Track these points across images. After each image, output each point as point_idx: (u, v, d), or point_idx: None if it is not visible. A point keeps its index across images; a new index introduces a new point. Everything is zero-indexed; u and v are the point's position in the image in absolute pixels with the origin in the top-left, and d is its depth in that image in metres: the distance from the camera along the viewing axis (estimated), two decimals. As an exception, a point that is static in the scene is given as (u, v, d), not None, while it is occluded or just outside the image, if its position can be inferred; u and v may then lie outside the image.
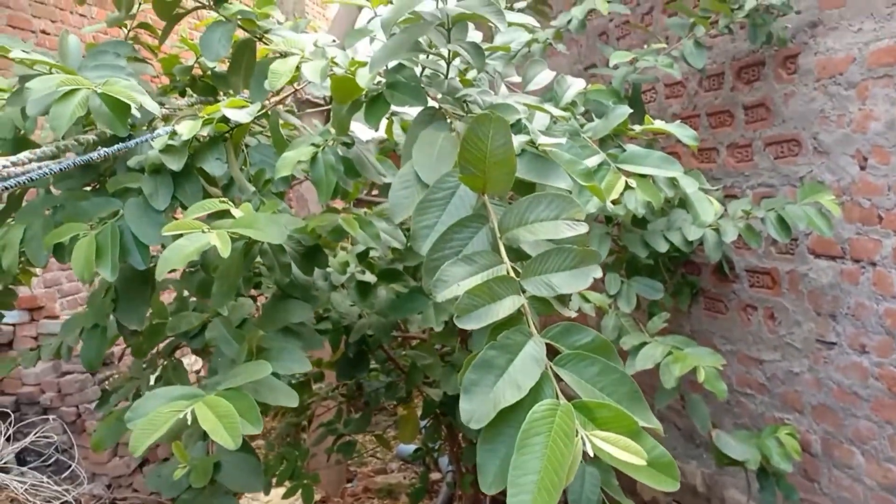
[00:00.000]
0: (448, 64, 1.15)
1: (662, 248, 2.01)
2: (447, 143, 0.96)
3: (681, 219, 2.07)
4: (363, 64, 1.28)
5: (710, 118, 2.70)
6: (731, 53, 2.53)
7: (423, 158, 0.94)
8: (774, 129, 2.40)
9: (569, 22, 2.32)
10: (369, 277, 1.97)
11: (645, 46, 2.34)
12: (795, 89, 2.30)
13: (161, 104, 1.75)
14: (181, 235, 1.15)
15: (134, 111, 1.40)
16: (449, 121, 1.07)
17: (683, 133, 1.60)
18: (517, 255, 0.84)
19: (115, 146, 1.37)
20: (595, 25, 3.38)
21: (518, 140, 0.96)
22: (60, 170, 1.24)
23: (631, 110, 1.57)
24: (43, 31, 4.82)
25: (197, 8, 1.82)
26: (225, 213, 1.32)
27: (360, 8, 2.31)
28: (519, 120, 1.08)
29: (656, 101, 2.99)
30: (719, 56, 2.58)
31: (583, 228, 0.80)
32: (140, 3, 1.81)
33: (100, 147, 1.59)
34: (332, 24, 4.45)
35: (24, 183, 1.32)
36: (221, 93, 2.03)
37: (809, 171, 2.27)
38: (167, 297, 2.07)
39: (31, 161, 1.38)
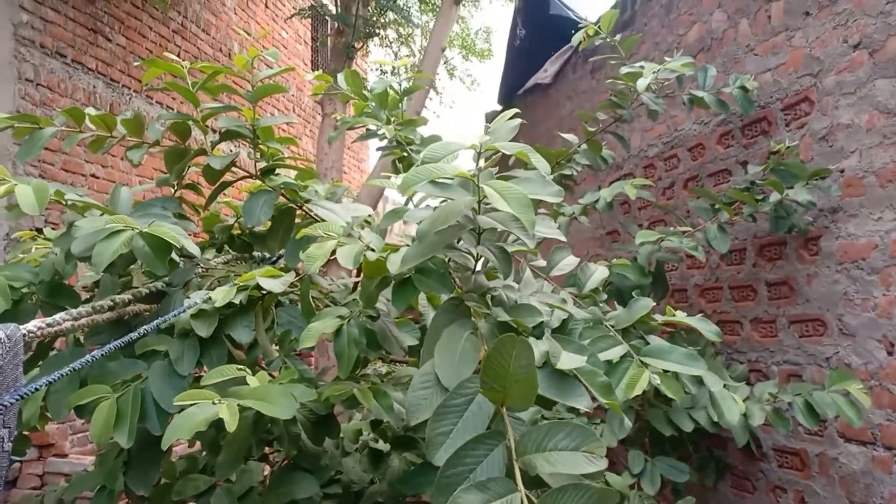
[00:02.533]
0: (476, 261, 1.20)
1: (688, 427, 1.96)
2: (469, 345, 0.97)
3: (706, 397, 2.03)
4: (395, 249, 1.33)
5: (733, 291, 2.71)
6: (753, 231, 2.59)
7: (445, 360, 0.95)
8: (798, 307, 2.40)
9: (596, 201, 2.41)
10: (382, 445, 1.93)
11: (666, 219, 2.41)
12: (818, 270, 2.32)
13: (198, 263, 1.82)
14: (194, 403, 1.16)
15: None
16: (473, 319, 1.10)
17: (706, 328, 1.61)
18: (533, 481, 0.83)
19: (154, 323, 1.40)
20: (618, 194, 3.51)
21: (539, 350, 0.97)
22: (91, 359, 1.26)
23: (654, 303, 1.59)
24: (93, 175, 5.12)
25: (244, 177, 1.94)
26: (242, 380, 1.34)
27: (394, 164, 2.45)
28: (541, 323, 1.10)
29: (678, 272, 3.03)
30: (741, 233, 2.63)
31: (602, 464, 0.79)
32: (189, 167, 1.93)
33: (135, 304, 1.64)
34: (368, 177, 4.67)
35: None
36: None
37: (836, 353, 2.24)
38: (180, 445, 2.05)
39: (65, 321, 1.42)
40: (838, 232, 2.25)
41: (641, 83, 2.41)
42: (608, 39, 2.65)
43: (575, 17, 4.52)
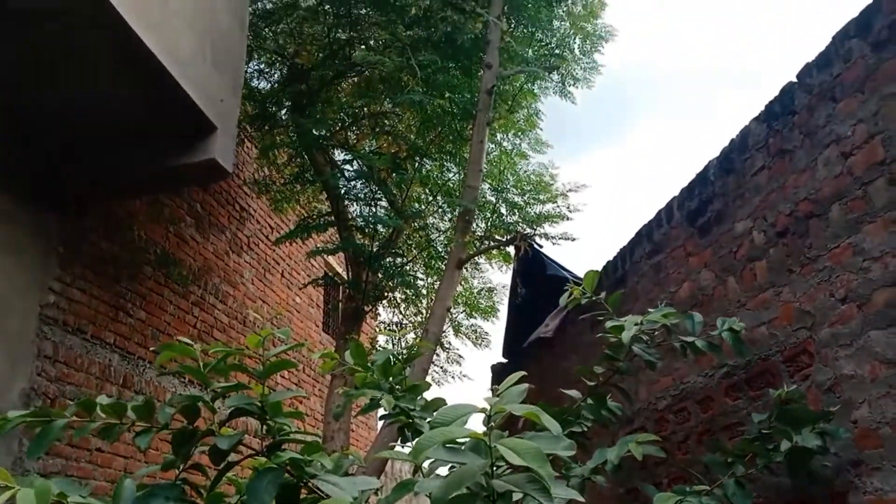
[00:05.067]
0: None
1: None
2: None
3: None
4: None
5: (770, 555, 2.51)
6: (776, 488, 2.47)
7: None
8: (843, 574, 2.21)
9: (604, 463, 2.36)
10: None
11: (684, 475, 2.32)
12: (855, 531, 2.17)
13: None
14: None
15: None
16: None
17: None
18: None
19: None
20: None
21: None
22: None
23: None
24: (98, 450, 5.05)
25: (251, 455, 1.92)
26: None
27: (399, 431, 2.42)
28: None
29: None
30: (764, 490, 2.51)
31: None
32: (196, 447, 1.92)
33: None
34: (374, 444, 4.58)
35: None
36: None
37: None
38: None
39: None
40: (864, 487, 2.15)
41: (626, 335, 2.50)
42: (594, 298, 2.80)
43: (569, 276, 4.78)
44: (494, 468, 1.25)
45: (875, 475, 2.12)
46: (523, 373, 1.52)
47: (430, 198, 7.32)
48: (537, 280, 5.31)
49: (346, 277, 6.55)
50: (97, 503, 1.60)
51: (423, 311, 7.78)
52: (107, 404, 1.76)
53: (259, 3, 6.56)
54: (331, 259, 9.24)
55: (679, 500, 2.10)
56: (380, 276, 6.25)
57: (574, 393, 2.71)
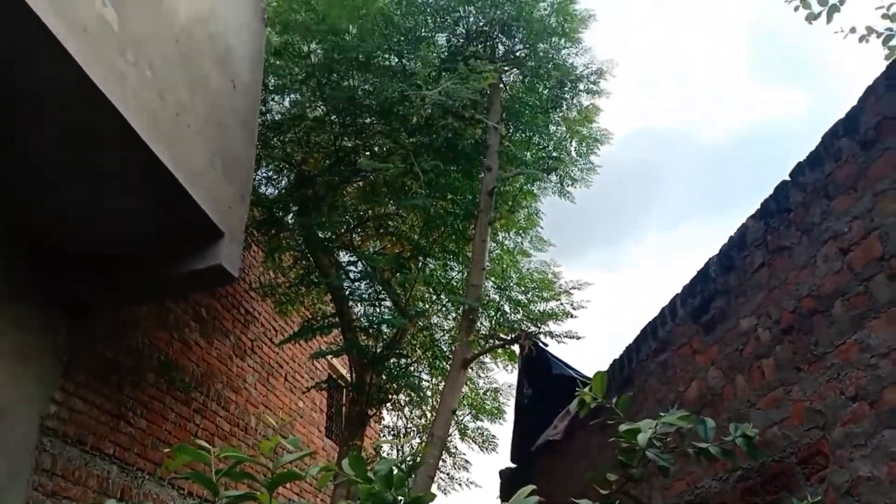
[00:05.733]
0: None
1: None
2: None
3: None
4: None
5: None
6: None
7: None
8: None
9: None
10: None
11: None
12: None
13: None
14: None
15: None
16: None
17: None
18: None
19: None
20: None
21: None
22: None
23: None
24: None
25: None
26: None
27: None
28: None
29: None
30: None
31: None
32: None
33: None
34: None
35: None
36: None
37: None
38: None
39: None
40: None
41: (642, 438, 2.42)
42: (603, 401, 2.74)
43: (576, 375, 4.72)
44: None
45: (905, 587, 2.01)
46: (533, 486, 1.47)
47: (434, 297, 7.34)
48: (543, 379, 5.23)
49: (349, 380, 6.47)
50: None
51: (428, 414, 7.63)
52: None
53: (268, 115, 6.84)
54: (334, 361, 9.16)
55: None
56: (384, 377, 6.18)
57: (585, 503, 2.60)
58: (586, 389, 2.79)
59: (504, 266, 7.05)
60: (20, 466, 4.35)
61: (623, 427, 2.57)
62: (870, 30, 4.98)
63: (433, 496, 2.37)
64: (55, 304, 4.86)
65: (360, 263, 6.97)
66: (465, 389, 7.36)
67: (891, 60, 2.34)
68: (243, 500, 1.90)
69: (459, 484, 7.88)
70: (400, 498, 2.22)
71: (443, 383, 6.35)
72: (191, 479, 2.00)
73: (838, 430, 2.34)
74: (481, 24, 6.63)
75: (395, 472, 2.32)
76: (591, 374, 4.22)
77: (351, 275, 6.89)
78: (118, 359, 5.43)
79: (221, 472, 1.89)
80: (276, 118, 6.96)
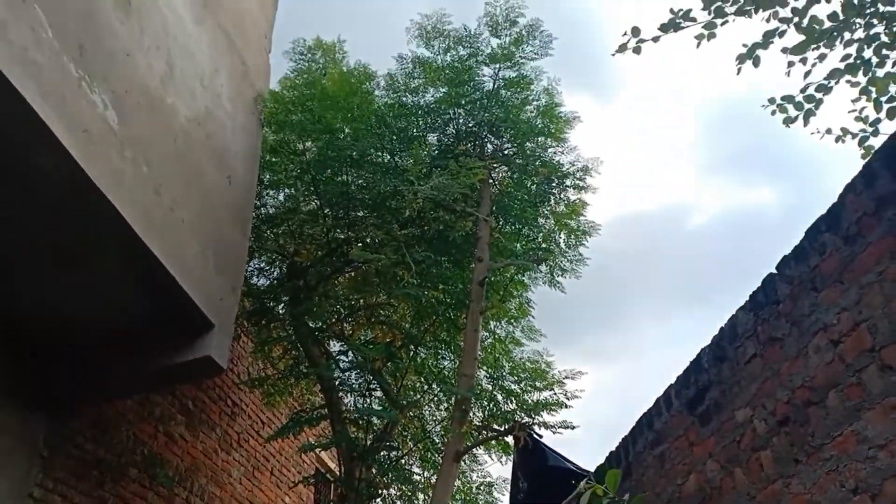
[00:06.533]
0: None
1: None
2: None
3: None
4: None
5: None
6: None
7: None
8: None
9: None
10: None
11: None
12: None
13: None
14: None
15: None
16: None
17: None
18: None
19: None
20: None
21: None
22: None
23: None
24: None
25: None
26: None
27: None
28: None
29: None
30: None
31: None
32: None
33: None
34: None
35: None
36: None
37: None
38: None
39: None
40: None
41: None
42: (616, 499, 2.69)
43: (573, 468, 4.63)
44: None
45: None
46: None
47: (426, 386, 7.25)
48: (539, 472, 5.11)
49: (338, 474, 6.29)
50: None
51: (419, 511, 7.38)
52: None
53: (263, 209, 6.96)
54: (323, 454, 8.91)
55: None
56: (374, 471, 6.02)
57: None
58: (600, 485, 2.75)
59: (496, 355, 7.02)
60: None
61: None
62: (845, 131, 5.23)
63: None
64: (36, 401, 4.77)
65: (350, 353, 6.92)
66: (457, 483, 7.16)
67: (866, 160, 2.46)
68: None
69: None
70: None
71: (434, 477, 6.18)
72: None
73: (842, 525, 2.30)
74: (471, 125, 6.91)
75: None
76: (586, 467, 4.15)
77: (341, 364, 6.83)
78: (100, 454, 5.29)
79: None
80: (271, 211, 7.09)
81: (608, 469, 3.35)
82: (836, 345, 2.46)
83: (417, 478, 7.22)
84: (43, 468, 4.72)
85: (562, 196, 6.97)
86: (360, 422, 6.39)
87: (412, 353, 6.86)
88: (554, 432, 5.74)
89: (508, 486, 6.16)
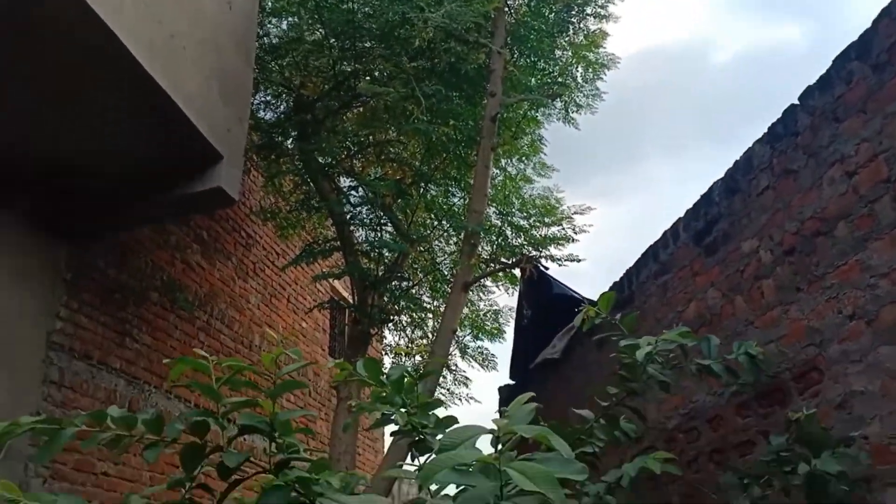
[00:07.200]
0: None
1: None
2: None
3: None
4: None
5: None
6: (790, 506, 2.44)
7: None
8: None
9: (620, 479, 2.34)
10: None
11: (696, 495, 2.29)
12: (871, 550, 2.14)
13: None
14: None
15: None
16: None
17: None
18: None
19: None
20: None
21: None
22: None
23: None
24: (104, 474, 5.03)
25: (258, 473, 1.91)
26: None
27: (409, 448, 2.41)
28: None
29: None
30: (778, 509, 2.49)
31: None
32: (203, 466, 1.91)
33: None
34: (383, 461, 4.54)
35: None
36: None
37: None
38: None
39: None
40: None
41: (640, 353, 2.49)
42: (609, 319, 2.79)
43: (577, 296, 4.78)
44: (504, 490, 1.24)
45: (888, 491, 2.10)
46: (532, 394, 1.52)
47: (436, 222, 7.35)
48: (543, 302, 5.30)
49: (351, 301, 6.56)
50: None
51: (430, 335, 7.77)
52: (118, 416, 1.76)
53: (266, 39, 6.67)
54: (336, 284, 9.25)
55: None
56: (385, 299, 6.26)
57: (586, 413, 2.70)
58: (592, 307, 2.85)
59: (507, 192, 7.03)
60: (29, 378, 4.47)
61: (624, 343, 2.63)
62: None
63: (441, 402, 2.44)
64: (57, 230, 4.89)
65: (360, 189, 6.94)
66: (465, 311, 7.47)
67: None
68: (246, 406, 1.96)
69: (459, 398, 8.12)
70: (409, 401, 2.29)
71: (444, 306, 6.44)
72: (194, 389, 2.05)
73: (835, 348, 2.39)
74: (487, -55, 6.39)
75: (406, 378, 2.39)
76: (591, 297, 4.27)
77: (352, 200, 6.87)
78: (121, 279, 5.49)
79: (222, 381, 1.94)
80: (274, 41, 6.79)
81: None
82: (851, 176, 2.42)
83: (427, 306, 7.53)
84: (67, 291, 4.93)
85: (581, 26, 6.62)
86: (372, 254, 6.55)
87: (422, 189, 6.88)
88: (560, 265, 5.89)
89: (514, 314, 6.43)
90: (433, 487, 1.48)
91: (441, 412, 2.35)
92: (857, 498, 2.18)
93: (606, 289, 4.40)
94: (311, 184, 6.59)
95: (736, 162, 3.15)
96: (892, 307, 2.19)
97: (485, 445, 1.39)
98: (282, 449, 1.95)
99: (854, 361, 2.30)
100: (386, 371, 2.28)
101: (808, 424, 2.25)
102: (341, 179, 7.13)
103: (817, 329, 2.48)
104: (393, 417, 2.20)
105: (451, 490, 1.48)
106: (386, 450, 5.52)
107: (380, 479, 4.11)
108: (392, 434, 2.54)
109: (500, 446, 1.27)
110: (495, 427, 1.31)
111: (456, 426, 1.81)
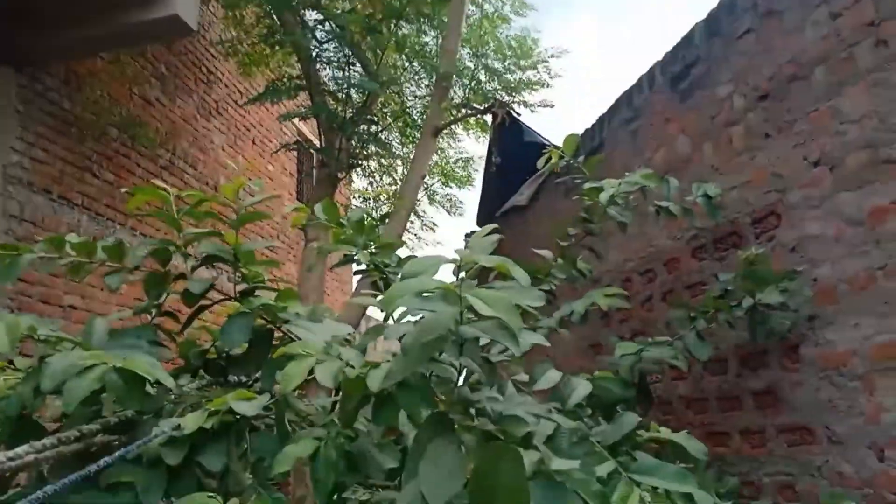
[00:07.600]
0: (459, 374, 1.18)
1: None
2: (455, 459, 0.94)
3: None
4: (376, 365, 1.31)
5: (719, 402, 2.67)
6: (734, 341, 2.59)
7: (431, 477, 0.91)
8: (785, 416, 2.36)
9: (571, 313, 2.43)
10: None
11: (646, 331, 2.41)
12: (801, 378, 2.31)
13: (170, 390, 1.77)
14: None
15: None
16: (457, 433, 1.06)
17: (692, 446, 1.57)
18: None
19: (118, 452, 1.34)
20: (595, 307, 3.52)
21: (529, 459, 0.94)
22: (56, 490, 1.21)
23: (640, 418, 1.56)
24: (71, 306, 5.09)
25: (223, 300, 1.93)
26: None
27: (375, 288, 2.46)
28: (529, 433, 1.07)
29: (663, 383, 2.99)
30: (722, 342, 2.63)
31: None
32: (168, 294, 1.92)
33: (103, 434, 1.58)
34: (351, 295, 4.65)
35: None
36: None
37: (826, 462, 2.19)
38: None
39: (28, 454, 1.36)
40: (817, 339, 2.26)
41: (604, 196, 2.50)
42: (572, 162, 2.77)
43: (547, 143, 4.73)
44: (464, 317, 1.26)
45: (828, 329, 2.22)
46: (494, 225, 1.51)
47: (407, 63, 7.05)
48: (514, 149, 5.25)
49: (318, 145, 6.41)
50: (67, 336, 1.62)
51: (398, 181, 7.73)
52: (76, 242, 1.74)
53: None
54: (303, 127, 9.02)
55: (640, 349, 2.19)
56: (354, 143, 6.13)
57: (546, 253, 2.75)
58: (556, 150, 2.81)
59: (482, 32, 6.71)
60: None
61: (587, 185, 2.63)
62: None
63: (402, 243, 2.46)
64: (2, 58, 4.58)
65: (328, 24, 6.55)
66: (435, 158, 7.39)
67: None
68: (208, 237, 1.94)
69: (426, 243, 8.31)
70: (370, 242, 2.30)
71: (413, 152, 6.34)
72: (159, 227, 2.02)
73: (795, 193, 2.42)
74: None
75: (367, 219, 2.39)
76: (563, 140, 4.23)
77: (318, 36, 6.50)
78: (76, 112, 5.26)
79: (184, 211, 1.91)
80: None
81: (580, 144, 3.41)
82: (835, 18, 2.33)
83: (396, 152, 7.42)
84: (21, 123, 4.72)
85: None
86: (340, 94, 6.32)
87: (393, 26, 6.51)
88: (532, 111, 5.77)
89: (483, 163, 6.39)
90: (396, 314, 1.51)
91: (406, 254, 2.38)
92: (800, 337, 2.31)
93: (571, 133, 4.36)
94: (274, 16, 6.19)
95: (720, 2, 3.01)
96: (858, 154, 2.20)
97: (448, 277, 1.40)
98: (247, 279, 1.97)
99: (812, 207, 2.34)
100: (348, 213, 2.27)
101: (757, 262, 2.33)
102: (306, 13, 6.70)
103: (781, 175, 2.50)
104: (356, 257, 2.22)
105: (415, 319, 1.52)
106: (354, 290, 5.65)
107: (347, 311, 4.24)
108: (355, 273, 2.58)
109: (461, 275, 1.28)
110: (457, 257, 1.31)
111: (419, 257, 1.82)
